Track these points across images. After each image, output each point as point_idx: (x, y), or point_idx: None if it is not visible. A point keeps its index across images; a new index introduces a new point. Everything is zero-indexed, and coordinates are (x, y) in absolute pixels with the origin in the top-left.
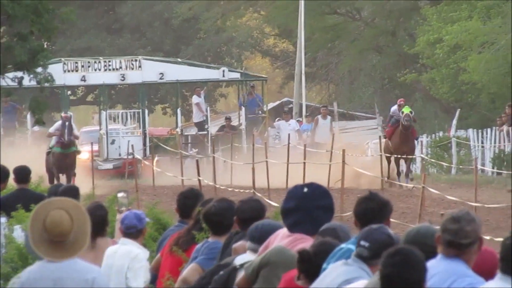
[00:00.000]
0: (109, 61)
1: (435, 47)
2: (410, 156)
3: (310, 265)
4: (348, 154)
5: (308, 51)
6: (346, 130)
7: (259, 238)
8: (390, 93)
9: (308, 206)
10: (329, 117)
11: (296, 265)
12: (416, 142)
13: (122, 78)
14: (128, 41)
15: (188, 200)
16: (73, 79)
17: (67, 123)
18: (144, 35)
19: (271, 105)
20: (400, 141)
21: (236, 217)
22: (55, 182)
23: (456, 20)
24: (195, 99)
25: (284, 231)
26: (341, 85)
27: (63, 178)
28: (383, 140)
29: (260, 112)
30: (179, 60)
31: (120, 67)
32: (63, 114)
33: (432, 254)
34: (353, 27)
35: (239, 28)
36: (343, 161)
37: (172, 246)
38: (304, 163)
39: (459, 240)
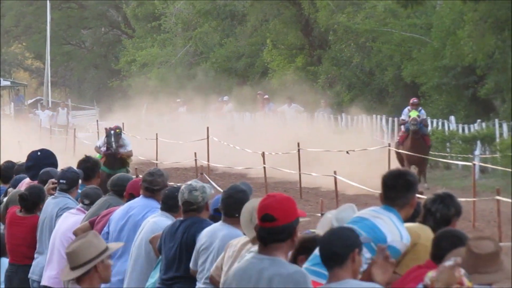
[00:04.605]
0: None
1: (130, 65)
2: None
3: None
4: (79, 132)
5: (52, 67)
6: (76, 116)
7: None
8: (104, 93)
9: (40, 163)
10: (65, 108)
11: None
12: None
13: None
14: None
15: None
16: None
17: (112, 132)
18: None
19: (29, 101)
20: (411, 148)
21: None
22: None
23: (144, 48)
24: None
25: (28, 180)
26: (73, 88)
27: None
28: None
29: (23, 105)
30: None
31: None
32: (108, 127)
33: (122, 192)
34: (80, 52)
35: (9, 53)
36: (75, 136)
37: None
38: (51, 137)
39: (153, 186)
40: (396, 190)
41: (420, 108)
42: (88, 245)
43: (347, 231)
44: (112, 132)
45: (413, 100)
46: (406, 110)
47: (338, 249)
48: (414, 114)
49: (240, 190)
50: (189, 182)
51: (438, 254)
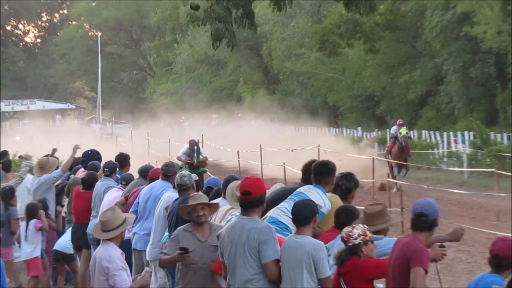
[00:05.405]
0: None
1: (152, 95)
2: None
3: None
4: (119, 138)
5: (102, 96)
6: (117, 127)
7: None
8: (135, 113)
9: (90, 159)
10: (111, 123)
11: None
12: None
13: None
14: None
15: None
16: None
17: (195, 147)
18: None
19: (87, 118)
20: (398, 154)
21: None
22: None
23: (161, 84)
24: (57, 117)
25: (82, 169)
26: (115, 109)
27: None
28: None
29: (83, 121)
30: (50, 100)
31: (25, 104)
32: (190, 138)
33: (146, 176)
34: (120, 86)
35: (74, 87)
36: (116, 140)
37: None
38: (100, 141)
39: (167, 173)
40: (321, 174)
41: (405, 126)
42: (116, 216)
43: (310, 202)
44: (196, 147)
45: (399, 121)
46: (394, 127)
47: (307, 214)
48: (404, 131)
49: (235, 178)
50: (180, 172)
51: (338, 222)
